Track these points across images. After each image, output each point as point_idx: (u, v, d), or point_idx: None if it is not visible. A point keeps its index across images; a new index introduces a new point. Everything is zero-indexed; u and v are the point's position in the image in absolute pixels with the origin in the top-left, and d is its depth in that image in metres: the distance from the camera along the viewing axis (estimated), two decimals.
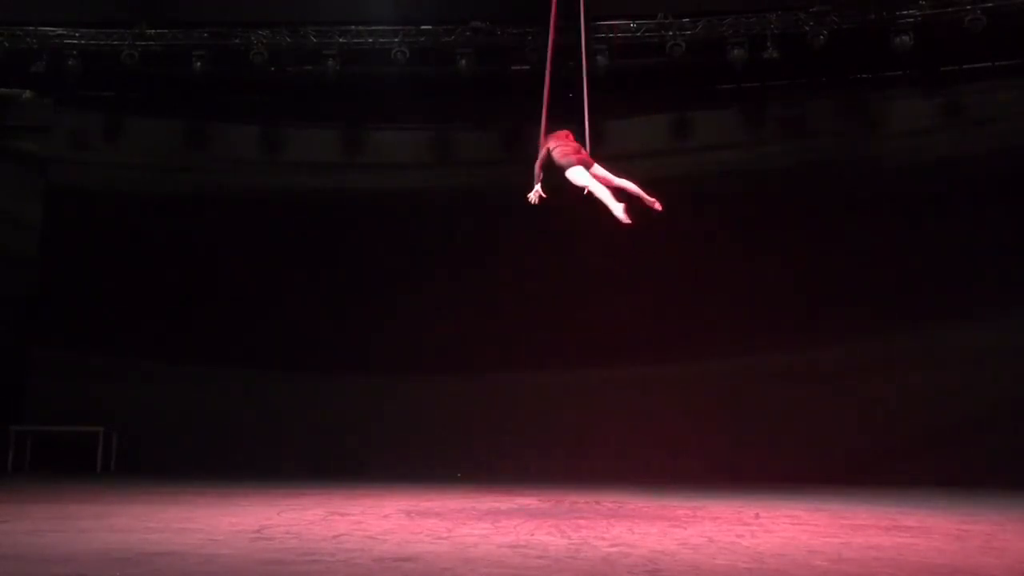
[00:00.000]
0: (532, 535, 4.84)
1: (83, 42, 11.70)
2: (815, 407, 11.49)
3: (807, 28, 11.05)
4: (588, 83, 7.46)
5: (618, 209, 6.67)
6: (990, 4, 10.54)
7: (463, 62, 11.55)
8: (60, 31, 11.66)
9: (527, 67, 11.55)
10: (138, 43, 11.65)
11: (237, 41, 11.66)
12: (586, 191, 6.85)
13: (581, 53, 7.74)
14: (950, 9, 10.75)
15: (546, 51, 7.15)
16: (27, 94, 13.24)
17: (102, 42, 11.71)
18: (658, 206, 6.82)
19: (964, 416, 11.06)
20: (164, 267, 12.71)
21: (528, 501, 7.40)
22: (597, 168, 6.88)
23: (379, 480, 10.36)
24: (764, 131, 12.70)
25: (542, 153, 6.98)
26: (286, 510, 6.20)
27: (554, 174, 7.05)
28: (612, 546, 4.39)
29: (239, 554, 4.01)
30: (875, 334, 11.56)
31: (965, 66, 11.92)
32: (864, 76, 12.39)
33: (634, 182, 6.89)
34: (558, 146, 6.93)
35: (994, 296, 11.36)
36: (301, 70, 12.10)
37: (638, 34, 11.47)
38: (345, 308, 12.56)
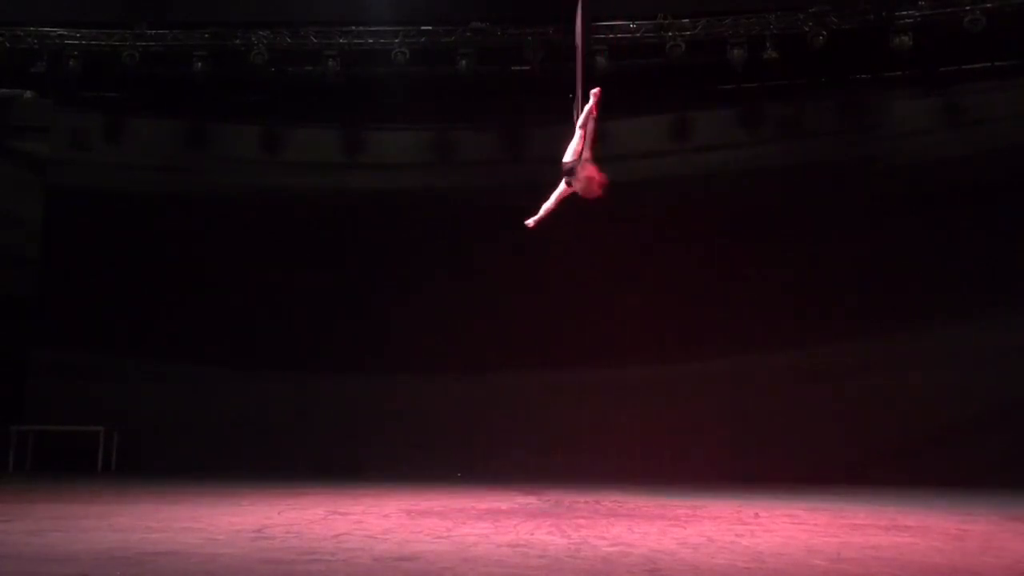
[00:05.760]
0: (532, 535, 4.85)
1: (83, 42, 11.71)
2: (815, 407, 11.49)
3: (806, 28, 11.06)
4: (588, 83, 7.44)
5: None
6: (989, 4, 10.55)
7: (463, 62, 11.56)
8: (60, 31, 11.67)
9: (527, 67, 11.58)
10: (138, 43, 11.67)
11: (238, 41, 11.67)
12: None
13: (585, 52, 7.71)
14: (949, 9, 10.76)
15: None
16: (27, 94, 13.26)
17: (102, 42, 11.73)
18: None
19: (964, 416, 11.07)
20: (164, 267, 12.72)
21: (528, 501, 7.40)
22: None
23: (379, 480, 10.36)
24: (763, 131, 12.69)
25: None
26: (286, 510, 6.21)
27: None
28: (612, 545, 4.40)
29: (240, 553, 4.02)
30: (875, 334, 11.57)
31: (964, 66, 11.94)
32: (863, 76, 12.41)
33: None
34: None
35: (994, 296, 11.37)
36: (301, 70, 12.11)
37: (638, 34, 11.48)
38: (345, 308, 12.57)
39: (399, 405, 12.19)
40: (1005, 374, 11.01)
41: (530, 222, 6.83)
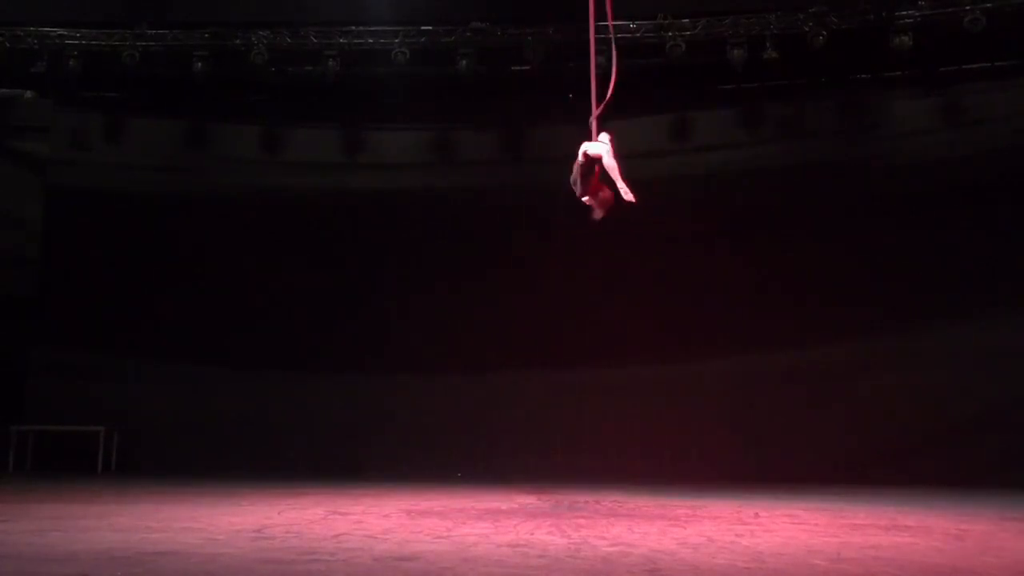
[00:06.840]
0: (532, 535, 4.85)
1: (83, 42, 11.72)
2: (815, 407, 11.49)
3: (806, 28, 11.07)
4: (595, 83, 7.40)
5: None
6: (989, 4, 10.55)
7: (463, 62, 11.56)
8: (60, 31, 11.67)
9: (527, 67, 11.58)
10: (138, 43, 11.68)
11: (238, 41, 11.67)
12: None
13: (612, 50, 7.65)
14: (949, 9, 10.77)
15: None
16: (27, 94, 13.27)
17: (102, 42, 11.73)
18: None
19: (964, 416, 11.07)
20: (164, 267, 12.73)
21: (528, 501, 7.41)
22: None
23: (379, 480, 10.37)
24: (763, 131, 12.69)
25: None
26: (286, 510, 6.21)
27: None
28: (612, 545, 4.40)
29: (240, 553, 4.02)
30: (875, 334, 11.57)
31: (964, 66, 11.94)
32: (863, 76, 12.41)
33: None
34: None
35: (994, 296, 11.36)
36: (301, 70, 12.11)
37: (638, 34, 11.48)
38: (345, 308, 12.56)
39: (399, 405, 12.19)
40: (1005, 374, 11.01)
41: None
